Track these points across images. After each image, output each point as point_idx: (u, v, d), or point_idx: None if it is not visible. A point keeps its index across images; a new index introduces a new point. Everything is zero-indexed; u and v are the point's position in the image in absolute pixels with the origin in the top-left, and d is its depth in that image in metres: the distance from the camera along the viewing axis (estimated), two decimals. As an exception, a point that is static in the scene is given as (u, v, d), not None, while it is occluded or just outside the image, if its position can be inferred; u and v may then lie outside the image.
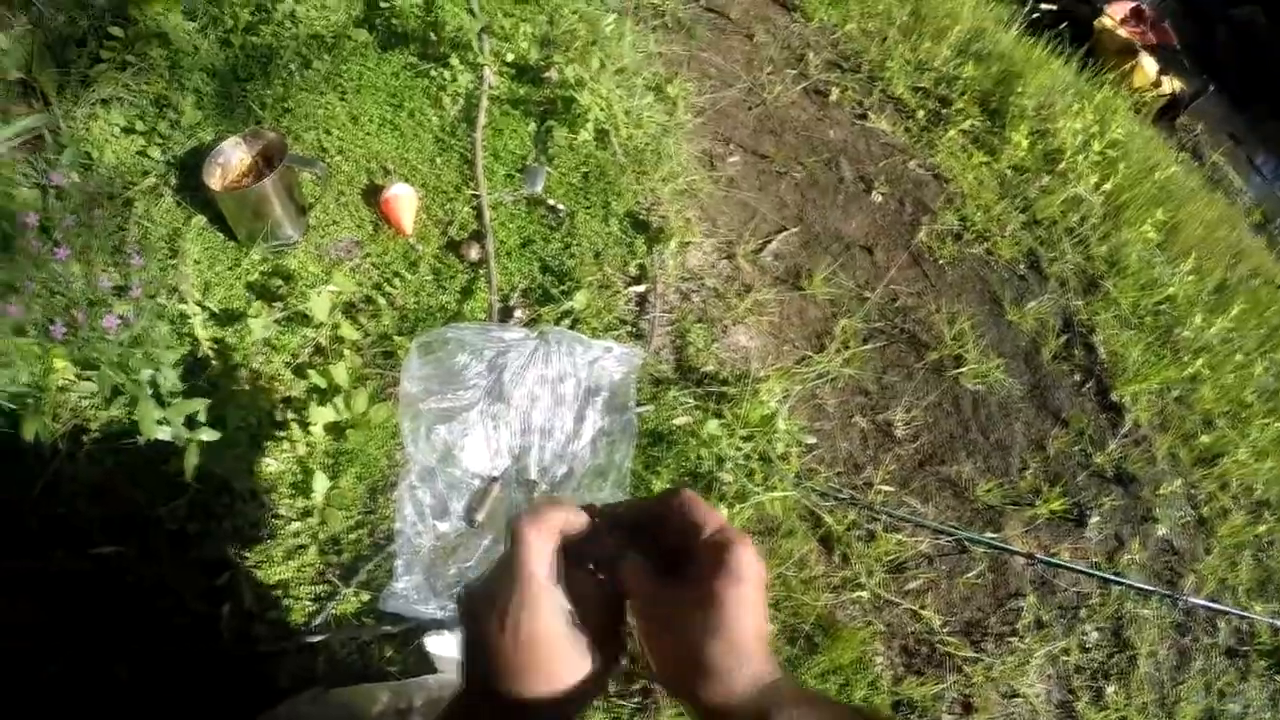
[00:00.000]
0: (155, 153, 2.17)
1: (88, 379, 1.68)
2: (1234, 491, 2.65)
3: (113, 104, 2.20)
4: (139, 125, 2.20)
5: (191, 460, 1.60)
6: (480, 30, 2.58)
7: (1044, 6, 5.04)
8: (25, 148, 2.11)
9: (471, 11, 2.70)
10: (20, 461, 1.62)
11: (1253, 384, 3.03)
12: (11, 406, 1.63)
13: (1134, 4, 5.99)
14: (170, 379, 1.69)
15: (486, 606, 0.48)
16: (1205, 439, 2.70)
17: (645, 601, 0.50)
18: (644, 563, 0.51)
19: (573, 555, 0.52)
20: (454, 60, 2.49)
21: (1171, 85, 5.28)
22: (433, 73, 2.48)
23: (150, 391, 1.67)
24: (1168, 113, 5.34)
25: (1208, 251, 3.73)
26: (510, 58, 2.59)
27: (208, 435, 1.64)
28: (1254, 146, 6.50)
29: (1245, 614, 2.38)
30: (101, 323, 1.52)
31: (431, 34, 2.55)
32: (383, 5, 2.65)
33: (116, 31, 2.24)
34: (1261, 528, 2.57)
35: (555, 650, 0.47)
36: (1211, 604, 2.35)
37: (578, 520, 0.52)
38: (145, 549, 1.59)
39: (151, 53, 2.28)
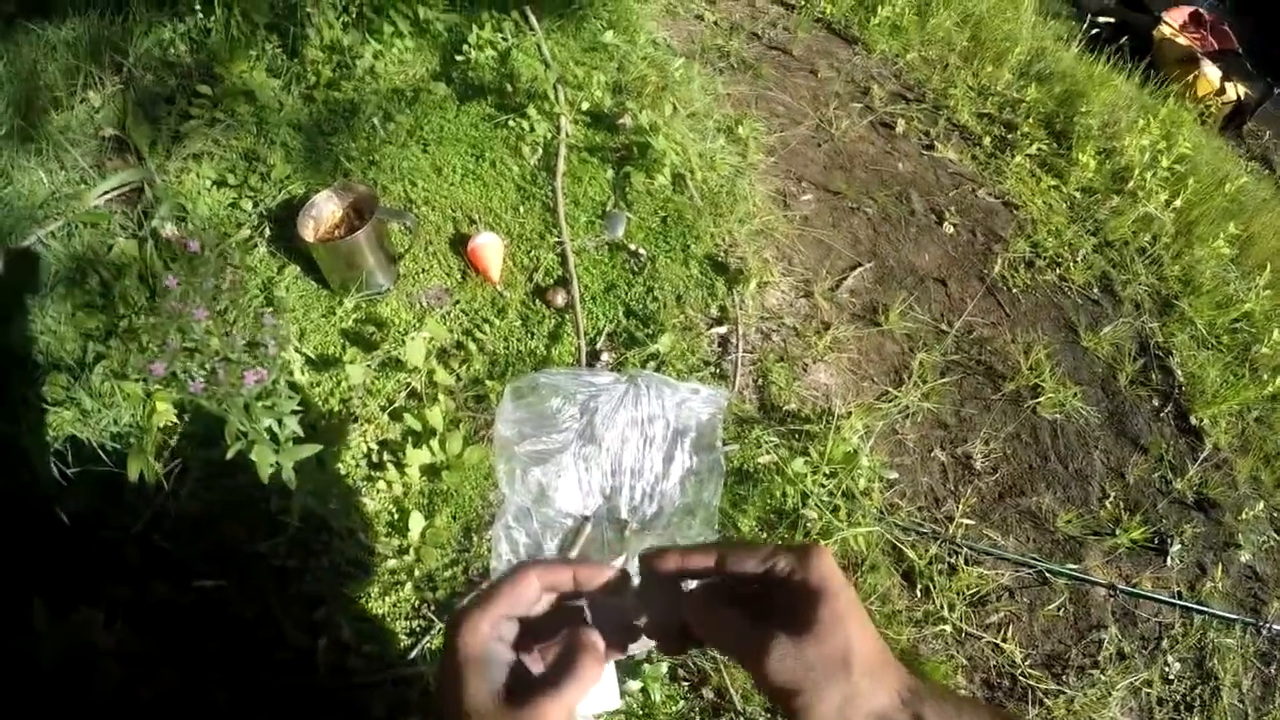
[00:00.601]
0: (247, 205, 2.29)
1: (186, 419, 1.79)
2: None
3: (203, 158, 2.33)
4: (230, 179, 2.32)
5: (298, 501, 1.70)
6: (555, 80, 2.68)
7: (1101, 20, 4.99)
8: (122, 200, 2.24)
9: (545, 62, 2.81)
10: (124, 498, 1.71)
11: (1337, 402, 2.98)
12: (115, 446, 1.74)
13: (1191, 8, 5.89)
14: (290, 427, 1.77)
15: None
16: None
17: (739, 642, 0.47)
18: (705, 596, 0.50)
19: (598, 614, 0.51)
20: (531, 110, 2.59)
21: (1236, 91, 5.17)
22: (510, 123, 2.59)
23: (269, 438, 1.78)
24: (1234, 120, 5.23)
25: (1284, 262, 3.66)
26: (585, 106, 2.68)
27: (312, 478, 1.74)
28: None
29: None
30: (241, 379, 1.63)
31: (508, 85, 2.66)
32: (459, 59, 2.77)
33: (204, 89, 2.37)
34: None
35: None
36: None
37: (527, 591, 0.49)
38: (246, 583, 1.67)
39: (239, 109, 2.41)
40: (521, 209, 2.43)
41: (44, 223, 2.08)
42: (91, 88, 2.38)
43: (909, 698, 0.44)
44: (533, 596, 0.49)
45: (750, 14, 3.57)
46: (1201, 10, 6.02)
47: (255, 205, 2.29)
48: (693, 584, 0.51)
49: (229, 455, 1.64)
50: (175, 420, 1.79)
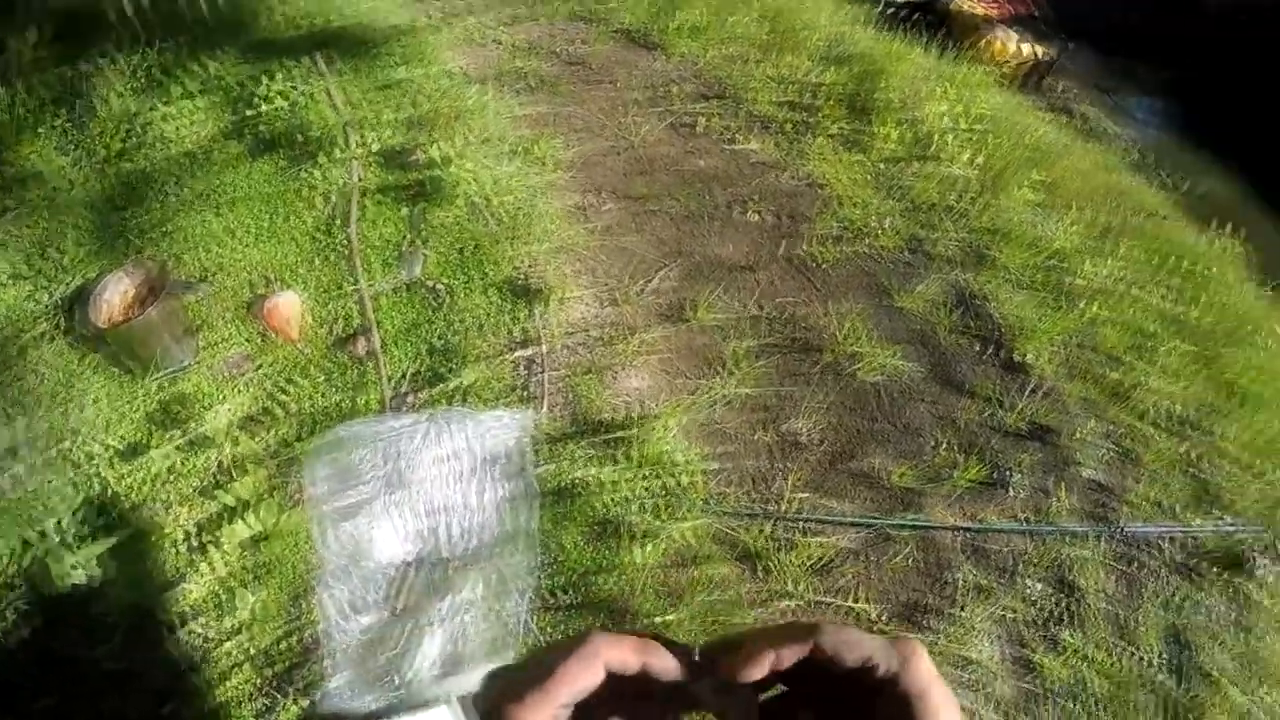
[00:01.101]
0: (43, 296, 2.19)
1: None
2: (1152, 418, 2.74)
3: None
4: (24, 270, 2.23)
5: (118, 600, 1.65)
6: (345, 124, 2.64)
7: (899, -1, 5.27)
8: None
9: (334, 107, 2.77)
10: None
11: (1152, 313, 3.16)
12: None
13: (988, -23, 6.28)
14: (85, 521, 1.72)
15: None
16: (1114, 375, 2.80)
17: None
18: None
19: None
20: (321, 158, 2.56)
21: (1032, 50, 5.52)
22: (303, 174, 2.55)
23: (57, 539, 1.69)
24: (1033, 77, 5.58)
25: (1088, 200, 3.87)
26: (376, 147, 2.66)
27: (131, 573, 1.67)
28: (1123, 92, 6.80)
29: (1186, 529, 2.44)
30: (27, 480, 1.56)
31: (299, 135, 2.62)
32: (250, 113, 2.70)
33: None
34: (1185, 445, 2.66)
35: None
36: (1149, 528, 2.41)
37: (592, 676, 0.43)
38: (87, 693, 1.60)
39: (29, 194, 2.34)
40: (317, 261, 2.39)
41: None
42: None
43: None
44: (596, 682, 0.43)
45: (549, 32, 3.61)
46: (997, -22, 6.42)
47: (50, 295, 2.21)
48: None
49: (21, 564, 1.59)
50: None
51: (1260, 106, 7.17)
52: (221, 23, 2.92)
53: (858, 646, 0.43)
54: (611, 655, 0.44)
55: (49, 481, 1.80)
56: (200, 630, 1.71)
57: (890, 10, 4.65)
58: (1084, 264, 3.21)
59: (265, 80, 2.82)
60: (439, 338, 2.23)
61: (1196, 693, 2.11)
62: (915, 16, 4.72)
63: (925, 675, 0.43)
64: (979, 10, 5.65)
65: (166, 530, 1.82)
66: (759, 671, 0.44)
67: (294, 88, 2.84)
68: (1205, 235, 4.27)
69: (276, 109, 2.74)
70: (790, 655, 0.44)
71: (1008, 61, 5.27)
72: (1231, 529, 2.52)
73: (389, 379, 2.12)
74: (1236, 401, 2.95)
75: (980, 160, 3.51)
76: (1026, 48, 5.49)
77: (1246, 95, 7.30)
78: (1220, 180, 6.32)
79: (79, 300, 2.16)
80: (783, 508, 2.16)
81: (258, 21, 3.26)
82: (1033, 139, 3.93)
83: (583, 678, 0.43)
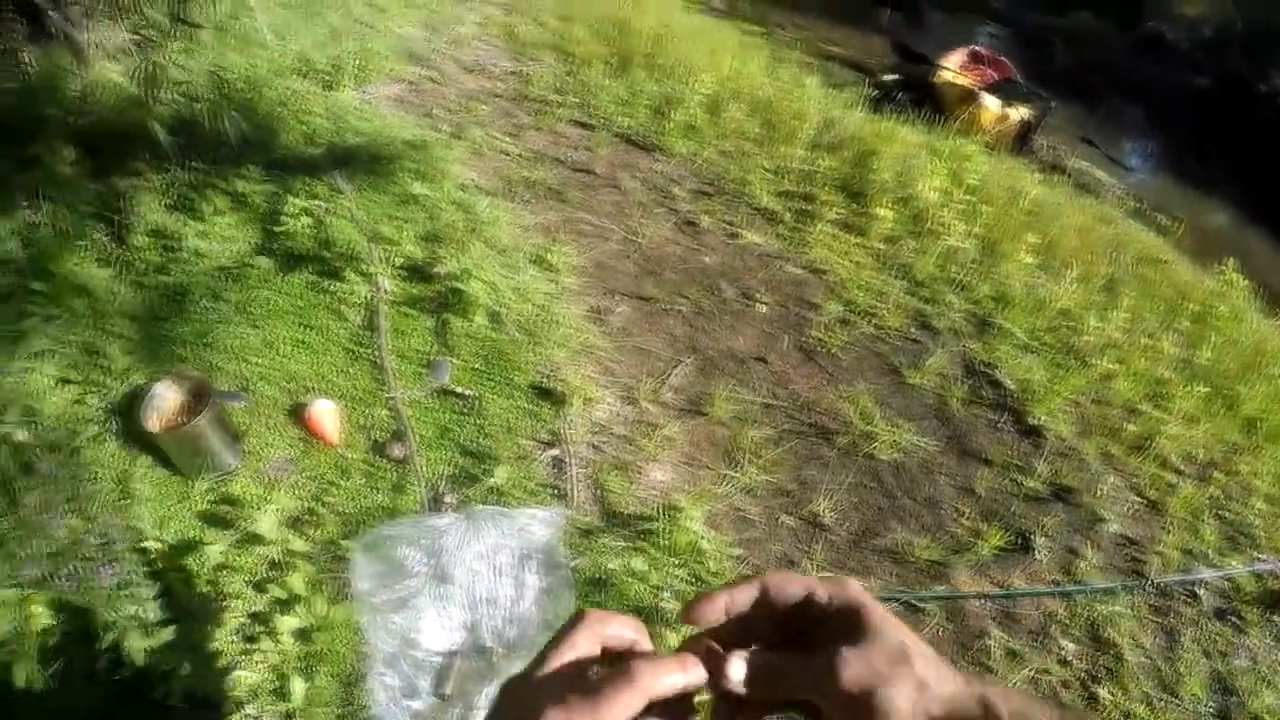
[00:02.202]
0: (93, 400, 2.31)
1: (61, 618, 1.78)
2: (1175, 465, 2.78)
3: (45, 356, 2.34)
4: (73, 375, 2.34)
5: (178, 684, 1.72)
6: (368, 240, 2.80)
7: (886, 79, 5.52)
8: None
9: (356, 222, 2.94)
10: (14, 704, 1.70)
11: (1164, 360, 3.23)
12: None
13: (969, 49, 6.55)
14: (152, 611, 1.80)
15: None
16: (1132, 427, 2.85)
17: (804, 673, 0.46)
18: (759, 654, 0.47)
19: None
20: (349, 273, 2.70)
21: (1018, 113, 5.73)
22: (331, 287, 2.69)
23: (135, 625, 1.78)
24: (1022, 139, 5.77)
25: (1088, 255, 3.98)
26: (399, 261, 2.81)
27: (189, 660, 1.76)
28: (1111, 142, 6.99)
29: (1220, 572, 2.46)
30: (97, 574, 1.67)
31: (325, 251, 2.77)
32: (277, 230, 2.86)
33: (39, 286, 2.39)
34: (1213, 488, 2.68)
35: None
36: (1183, 577, 2.43)
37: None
38: None
39: (74, 304, 2.44)
40: (351, 370, 2.51)
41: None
42: None
43: (968, 678, 0.45)
44: (630, 715, 0.43)
45: (552, 140, 3.82)
46: (979, 48, 6.70)
47: (100, 399, 2.32)
48: (734, 657, 0.47)
49: (102, 646, 1.67)
50: (51, 621, 1.79)
51: (1246, 132, 7.36)
52: (245, 142, 3.06)
53: (798, 580, 0.49)
54: (656, 685, 0.44)
55: (136, 572, 1.88)
56: (255, 714, 1.78)
57: (877, 92, 4.86)
58: (1089, 320, 3.29)
59: (290, 197, 2.96)
60: (471, 440, 2.34)
61: (1250, 740, 2.10)
62: (901, 95, 4.93)
63: (861, 594, 0.47)
64: (962, 81, 5.89)
65: (222, 620, 1.90)
66: (714, 612, 0.48)
67: (318, 204, 2.99)
68: (1208, 273, 4.36)
69: (302, 225, 2.89)
70: (742, 596, 0.49)
71: (996, 126, 5.47)
72: (1269, 567, 2.52)
73: (426, 480, 2.22)
74: (1260, 437, 2.99)
75: (976, 230, 3.64)
76: (1012, 111, 5.71)
77: (1231, 124, 7.50)
78: (1217, 212, 6.48)
79: (130, 405, 2.28)
80: (809, 590, 2.21)
81: (278, 139, 3.46)
82: (1026, 202, 4.07)
83: (633, 707, 0.43)
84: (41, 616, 1.76)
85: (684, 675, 0.45)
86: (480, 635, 1.84)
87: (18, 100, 3.12)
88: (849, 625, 0.46)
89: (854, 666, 0.44)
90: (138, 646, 1.69)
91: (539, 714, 0.42)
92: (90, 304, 2.48)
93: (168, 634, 1.74)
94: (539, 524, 1.91)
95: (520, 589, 1.87)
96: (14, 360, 2.31)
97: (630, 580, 2.05)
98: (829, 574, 2.25)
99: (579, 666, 0.46)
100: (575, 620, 0.48)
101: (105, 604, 1.72)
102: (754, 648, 0.48)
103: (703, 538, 2.14)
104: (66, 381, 2.34)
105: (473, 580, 1.86)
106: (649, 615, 2.01)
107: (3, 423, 2.13)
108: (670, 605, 2.01)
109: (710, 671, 0.46)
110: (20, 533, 1.79)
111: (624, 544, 2.14)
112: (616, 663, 0.47)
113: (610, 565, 2.09)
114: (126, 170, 2.81)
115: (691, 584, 2.09)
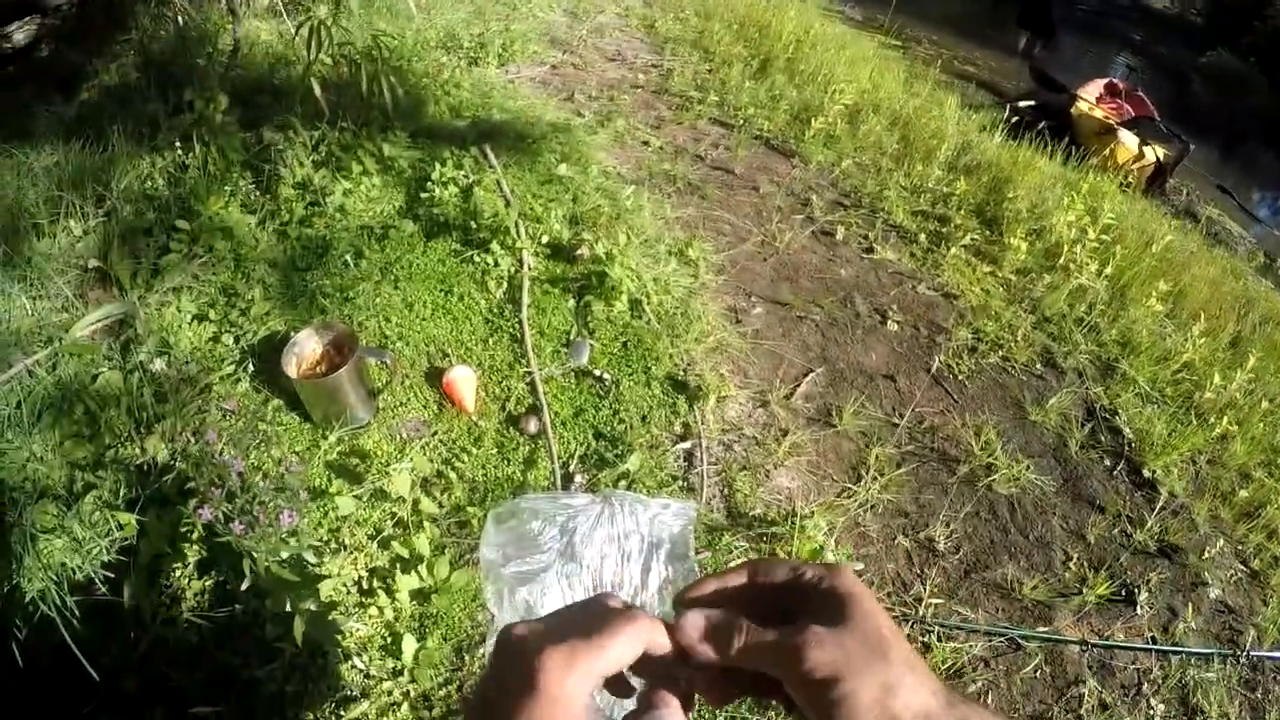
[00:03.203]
0: (228, 340, 2.41)
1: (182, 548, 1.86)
2: None
3: (183, 292, 2.44)
4: (211, 313, 2.44)
5: (299, 628, 1.74)
6: (516, 216, 2.89)
7: (1021, 105, 5.40)
8: (105, 331, 2.30)
9: (505, 199, 3.04)
10: (121, 627, 1.76)
11: (1283, 428, 3.14)
12: (109, 574, 1.78)
13: (1106, 80, 6.35)
14: (308, 558, 1.85)
15: None
16: (1244, 494, 2.79)
17: (776, 648, 0.44)
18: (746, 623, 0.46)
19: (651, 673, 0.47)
20: (494, 245, 2.79)
21: (1154, 153, 5.55)
22: (476, 258, 2.78)
23: (286, 569, 1.84)
24: (1156, 180, 5.59)
25: (1216, 309, 3.89)
26: (545, 239, 2.89)
27: (313, 605, 1.78)
28: (1245, 191, 6.71)
29: None
30: (277, 520, 1.73)
31: (471, 221, 2.87)
32: (423, 195, 2.97)
33: (182, 224, 2.50)
34: None
35: None
36: (1276, 654, 2.38)
37: (630, 652, 0.44)
38: (245, 709, 1.71)
39: (216, 245, 2.55)
40: (490, 341, 2.60)
41: (30, 351, 2.14)
42: (73, 216, 2.49)
43: (951, 698, 0.42)
44: (631, 659, 0.44)
45: (693, 136, 3.87)
46: (1116, 80, 6.50)
47: (236, 340, 2.41)
48: (690, 612, 0.47)
49: (244, 586, 1.71)
50: (168, 550, 1.86)
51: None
52: (395, 109, 3.15)
53: (785, 563, 0.48)
54: (650, 638, 0.44)
55: (293, 520, 1.96)
56: (363, 667, 1.83)
57: (1015, 118, 4.78)
58: (1213, 376, 3.21)
59: (437, 165, 3.07)
60: (605, 424, 2.41)
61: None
62: (1039, 123, 4.83)
63: (854, 581, 0.45)
64: (1100, 115, 5.73)
65: (343, 571, 1.97)
66: (706, 589, 0.49)
67: (464, 175, 3.09)
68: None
69: (449, 194, 2.99)
70: (732, 579, 0.49)
71: (1132, 165, 5.31)
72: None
73: (558, 457, 2.30)
74: (1369, 523, 2.88)
75: (1108, 271, 3.57)
76: (1149, 150, 5.53)
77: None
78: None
79: (264, 349, 2.37)
80: (920, 612, 2.24)
81: (426, 109, 3.59)
82: (1159, 248, 3.97)
83: (623, 654, 0.43)
84: (158, 543, 1.82)
85: (665, 633, 0.45)
86: None
87: (173, 48, 3.30)
88: (831, 608, 0.44)
89: (823, 648, 0.41)
90: (282, 586, 1.70)
91: (540, 654, 0.41)
92: (232, 246, 2.58)
93: (309, 584, 1.76)
94: (671, 515, 1.95)
95: (646, 576, 1.93)
96: (152, 293, 2.42)
97: (752, 583, 2.10)
98: (936, 604, 2.28)
99: (574, 612, 0.46)
100: (623, 612, 0.45)
101: (271, 548, 1.75)
102: (711, 610, 0.47)
103: (828, 549, 2.18)
104: (203, 319, 2.43)
105: (601, 563, 1.91)
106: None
107: (139, 351, 2.23)
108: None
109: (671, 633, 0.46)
110: (201, 474, 1.82)
111: (747, 545, 2.20)
112: (642, 662, 0.46)
113: (733, 564, 2.14)
114: (277, 124, 2.92)
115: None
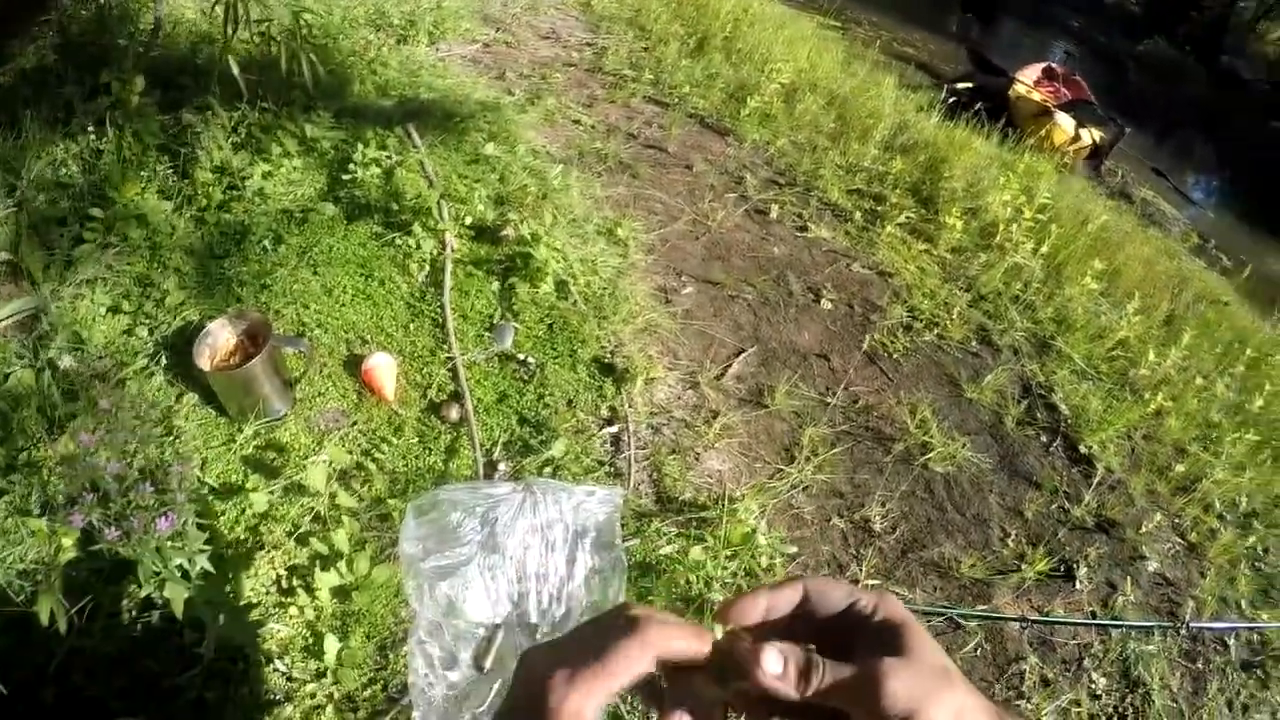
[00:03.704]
0: (143, 332, 2.28)
1: (91, 553, 1.73)
2: (1218, 510, 2.75)
3: (97, 284, 2.32)
4: (124, 305, 2.32)
5: (212, 633, 1.68)
6: (439, 197, 2.77)
7: (960, 86, 5.42)
8: (16, 328, 2.19)
9: (429, 179, 2.92)
10: (35, 637, 1.64)
11: (1217, 403, 3.19)
12: (22, 584, 1.70)
13: (1044, 64, 6.43)
14: (200, 564, 1.74)
15: None
16: (1180, 468, 2.81)
17: (844, 682, 0.42)
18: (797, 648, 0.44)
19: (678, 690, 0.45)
20: (416, 227, 2.67)
21: (1091, 136, 5.63)
22: (398, 241, 2.66)
23: (179, 574, 1.75)
24: (1092, 162, 5.68)
25: (1151, 287, 3.94)
26: (468, 220, 2.78)
27: (223, 608, 1.72)
28: (1181, 173, 6.87)
29: (1252, 625, 2.43)
30: (154, 525, 1.61)
31: (393, 203, 2.75)
32: (345, 177, 2.85)
33: (96, 212, 2.38)
34: (1252, 538, 2.65)
35: None
36: (1215, 624, 2.40)
37: (642, 666, 0.42)
38: (165, 718, 1.63)
39: (131, 233, 2.42)
40: (411, 326, 2.49)
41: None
42: None
43: (1003, 713, 0.42)
44: (642, 671, 0.42)
45: (626, 114, 3.78)
46: (1054, 65, 6.57)
47: (151, 333, 2.30)
48: (769, 648, 0.44)
49: (143, 594, 1.64)
50: (80, 555, 1.74)
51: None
52: (317, 88, 3.01)
53: (842, 588, 0.47)
54: (661, 647, 0.43)
55: (185, 523, 1.85)
56: (285, 669, 1.76)
57: (952, 99, 4.78)
58: (1148, 353, 3.24)
59: (360, 146, 2.95)
60: (529, 409, 2.31)
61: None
62: (976, 104, 4.84)
63: (904, 611, 0.45)
64: (1037, 97, 5.79)
65: (259, 571, 1.88)
66: (754, 610, 0.46)
67: (387, 156, 2.97)
68: (1268, 320, 4.28)
69: (371, 175, 2.87)
70: (783, 598, 0.47)
71: (1068, 146, 5.38)
72: (1297, 626, 2.49)
73: (480, 445, 2.20)
74: (1305, 492, 2.93)
75: (1044, 250, 3.58)
76: (1085, 133, 5.60)
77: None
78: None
79: (180, 341, 2.25)
80: (856, 595, 2.19)
81: (350, 88, 3.45)
82: (1094, 227, 4.00)
83: (634, 668, 0.42)
84: (70, 550, 1.71)
85: (695, 641, 0.44)
86: (526, 610, 1.79)
87: (91, 28, 3.12)
88: (890, 640, 0.44)
89: (900, 680, 0.41)
90: (179, 597, 1.63)
91: (548, 677, 0.41)
92: (148, 235, 2.46)
93: (211, 587, 1.71)
94: (596, 502, 1.86)
95: (571, 567, 1.83)
96: (65, 286, 2.29)
97: (681, 569, 2.03)
98: (874, 585, 2.24)
99: (587, 629, 0.45)
100: (628, 627, 0.43)
101: (154, 554, 1.65)
102: (786, 643, 0.45)
103: (759, 533, 2.11)
104: (117, 311, 2.32)
105: (524, 553, 1.82)
106: (699, 607, 1.99)
107: (49, 347, 2.11)
108: (720, 597, 1.99)
109: (740, 662, 0.43)
110: (71, 479, 1.72)
111: (676, 530, 2.12)
112: (675, 676, 0.44)
113: (662, 551, 2.07)
114: (196, 105, 2.78)
115: (745, 578, 2.06)
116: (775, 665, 0.43)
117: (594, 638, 0.43)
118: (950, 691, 0.41)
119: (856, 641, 0.45)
